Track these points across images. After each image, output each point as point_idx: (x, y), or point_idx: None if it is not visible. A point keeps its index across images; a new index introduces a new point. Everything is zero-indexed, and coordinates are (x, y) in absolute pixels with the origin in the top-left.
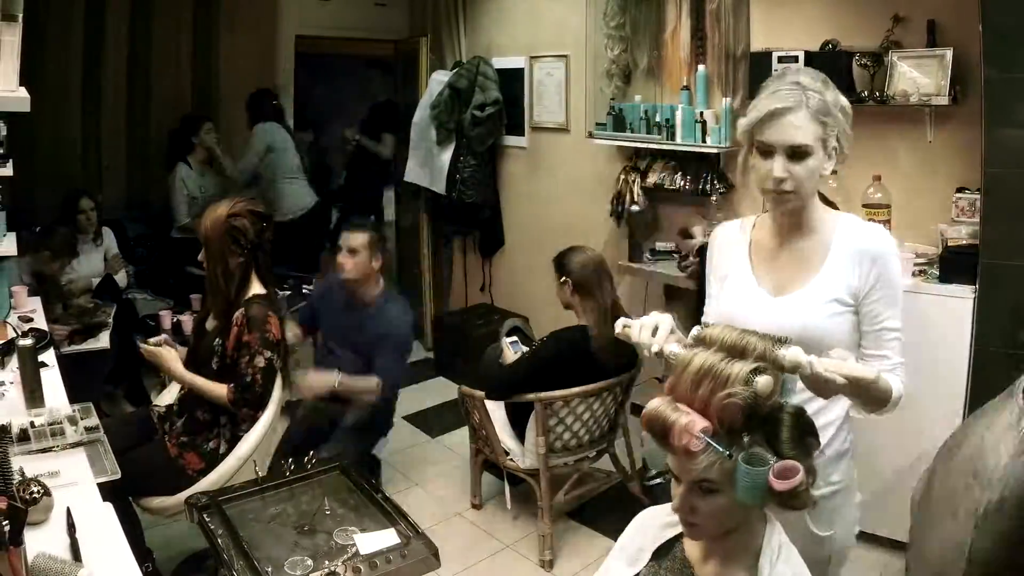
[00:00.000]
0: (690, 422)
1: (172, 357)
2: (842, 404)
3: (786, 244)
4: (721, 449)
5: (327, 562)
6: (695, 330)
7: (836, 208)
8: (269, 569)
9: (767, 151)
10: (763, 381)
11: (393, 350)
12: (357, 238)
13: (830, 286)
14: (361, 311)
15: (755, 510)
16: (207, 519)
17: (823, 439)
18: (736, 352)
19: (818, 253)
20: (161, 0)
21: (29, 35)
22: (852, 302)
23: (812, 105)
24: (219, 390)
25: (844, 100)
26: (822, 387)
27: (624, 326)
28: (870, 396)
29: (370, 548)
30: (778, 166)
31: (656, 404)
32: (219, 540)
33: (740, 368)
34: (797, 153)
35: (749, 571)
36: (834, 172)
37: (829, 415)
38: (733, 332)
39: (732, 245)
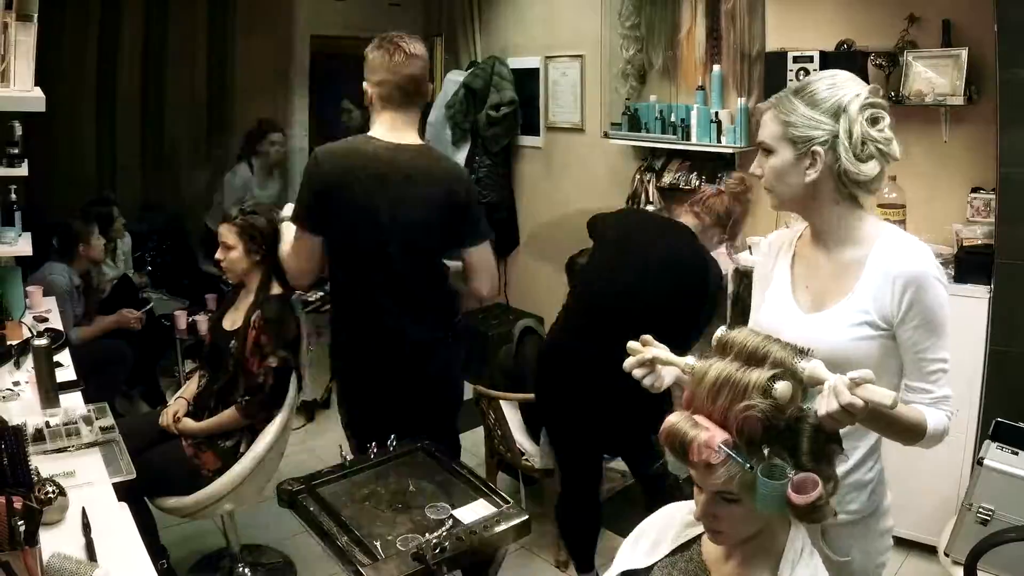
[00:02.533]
0: (709, 438)
1: (189, 424)
2: (871, 433)
3: (827, 256)
4: (741, 462)
5: (428, 535)
6: (719, 331)
7: None
8: (377, 544)
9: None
10: (782, 387)
11: None
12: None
13: (860, 307)
14: None
15: (779, 514)
16: (302, 501)
17: (843, 467)
18: (755, 360)
19: (855, 270)
20: (176, 0)
21: (44, 35)
22: (885, 326)
23: (780, 105)
24: (231, 416)
25: (852, 107)
26: (838, 415)
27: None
28: (892, 427)
29: (469, 519)
30: (755, 161)
31: (674, 420)
32: (320, 519)
33: (758, 376)
34: (764, 150)
35: (770, 572)
36: (849, 181)
37: (851, 442)
38: (755, 338)
39: (778, 255)
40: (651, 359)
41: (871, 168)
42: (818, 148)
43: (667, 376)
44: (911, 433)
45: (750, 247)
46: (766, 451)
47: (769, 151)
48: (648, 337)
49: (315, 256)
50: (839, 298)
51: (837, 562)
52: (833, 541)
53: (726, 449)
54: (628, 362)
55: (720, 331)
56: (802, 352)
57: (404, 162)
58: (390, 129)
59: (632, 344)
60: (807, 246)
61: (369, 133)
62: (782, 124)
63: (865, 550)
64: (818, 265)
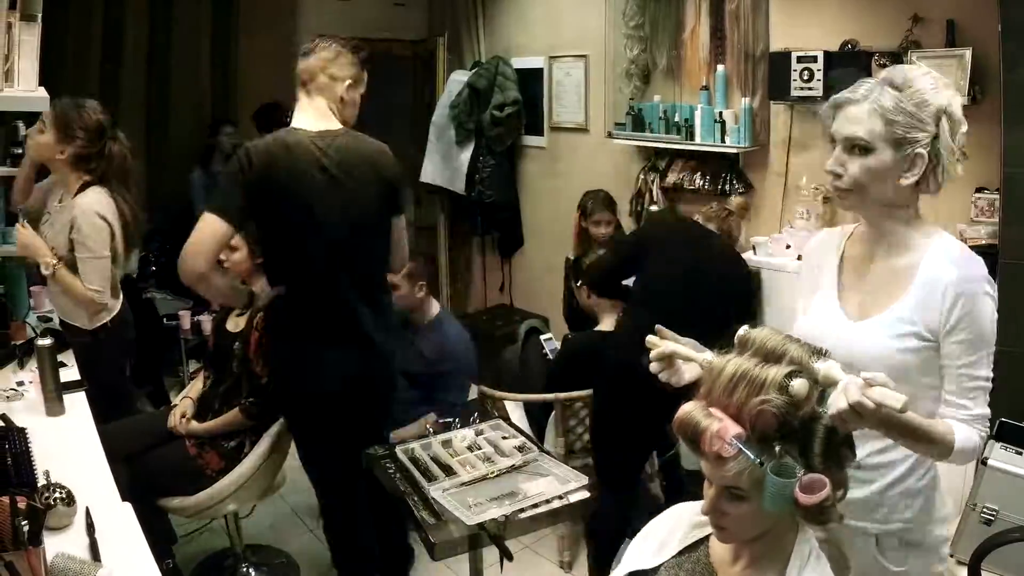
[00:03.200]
0: (722, 428)
1: (193, 425)
2: None
3: (877, 262)
4: (752, 457)
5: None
6: (741, 330)
7: None
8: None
9: (834, 142)
10: (798, 384)
11: (458, 377)
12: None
13: (908, 317)
14: (417, 337)
15: (787, 516)
16: (387, 466)
17: (891, 476)
18: (773, 358)
19: (905, 277)
20: (179, 0)
21: (48, 35)
22: (931, 338)
23: (882, 102)
24: (235, 417)
25: (955, 109)
26: (847, 415)
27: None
28: (912, 437)
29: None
30: (833, 158)
31: (688, 408)
32: (419, 474)
33: (776, 372)
34: (855, 147)
35: (778, 575)
36: (935, 183)
37: (900, 451)
38: (775, 337)
39: (825, 257)
40: (669, 354)
41: (960, 170)
42: (922, 151)
43: (687, 373)
44: (934, 447)
45: (755, 247)
46: (777, 448)
47: (868, 149)
48: (662, 329)
49: (219, 247)
50: (886, 306)
51: (894, 573)
52: (888, 552)
53: (738, 443)
54: (651, 355)
55: (742, 330)
56: (819, 352)
57: (330, 147)
58: (312, 118)
59: (651, 338)
60: (856, 249)
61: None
62: (885, 122)
63: (922, 559)
64: (867, 270)
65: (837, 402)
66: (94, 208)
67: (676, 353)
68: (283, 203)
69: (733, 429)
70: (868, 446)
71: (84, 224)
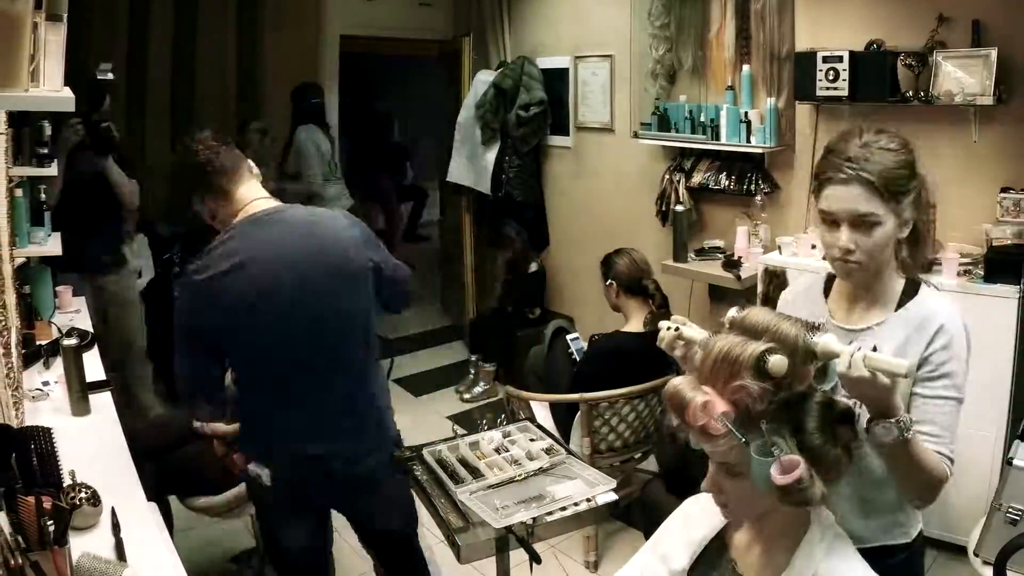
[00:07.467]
0: (708, 402)
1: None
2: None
3: (862, 310)
4: (739, 435)
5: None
6: (731, 311)
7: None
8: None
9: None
10: (775, 360)
11: None
12: None
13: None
14: None
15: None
16: (414, 468)
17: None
18: (758, 336)
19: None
20: (204, 0)
21: (73, 35)
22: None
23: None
24: None
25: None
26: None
27: (667, 328)
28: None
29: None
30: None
31: (678, 382)
32: (424, 484)
33: (752, 349)
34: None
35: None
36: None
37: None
38: (767, 315)
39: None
40: (678, 337)
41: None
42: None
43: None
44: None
45: (780, 247)
46: (764, 426)
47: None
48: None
49: None
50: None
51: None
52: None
53: (726, 422)
54: (659, 341)
55: (732, 311)
56: (814, 327)
57: None
58: None
59: (662, 323)
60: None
61: None
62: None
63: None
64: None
65: (841, 364)
66: None
67: (683, 335)
68: None
69: (721, 406)
70: None
71: None
